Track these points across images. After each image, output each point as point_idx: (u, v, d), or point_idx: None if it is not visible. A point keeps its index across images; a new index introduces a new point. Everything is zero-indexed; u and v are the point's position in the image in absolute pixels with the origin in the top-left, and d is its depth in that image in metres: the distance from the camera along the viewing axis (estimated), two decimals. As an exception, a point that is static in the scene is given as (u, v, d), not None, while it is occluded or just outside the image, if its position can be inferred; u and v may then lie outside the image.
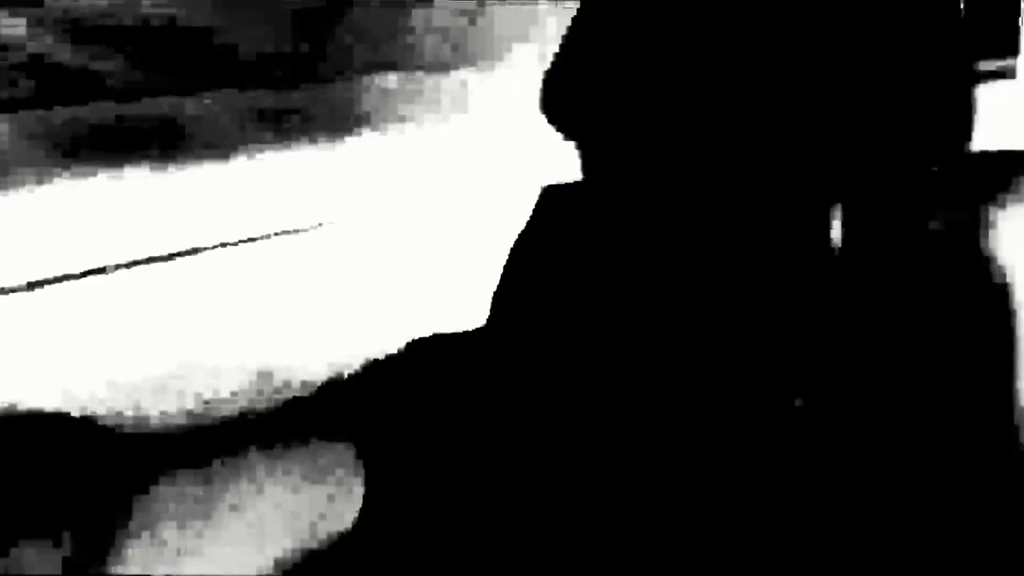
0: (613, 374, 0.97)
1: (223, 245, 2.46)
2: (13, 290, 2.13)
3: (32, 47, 2.52)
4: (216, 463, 0.93)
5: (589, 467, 0.97)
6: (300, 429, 0.96)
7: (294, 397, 0.97)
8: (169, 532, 0.89)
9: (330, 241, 2.61)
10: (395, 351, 1.03)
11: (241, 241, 2.46)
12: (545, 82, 1.02)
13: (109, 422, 1.92)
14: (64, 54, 2.61)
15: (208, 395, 2.12)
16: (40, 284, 2.17)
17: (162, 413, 1.99)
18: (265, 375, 2.20)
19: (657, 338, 0.95)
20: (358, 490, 0.95)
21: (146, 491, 0.87)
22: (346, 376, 1.00)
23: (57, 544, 0.78)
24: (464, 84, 3.03)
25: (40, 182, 2.31)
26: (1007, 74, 3.42)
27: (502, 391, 0.98)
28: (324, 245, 2.60)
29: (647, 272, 0.95)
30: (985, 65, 3.40)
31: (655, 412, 0.96)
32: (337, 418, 0.97)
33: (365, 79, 2.92)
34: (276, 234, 2.51)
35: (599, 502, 0.97)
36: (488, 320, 1.03)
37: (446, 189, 2.80)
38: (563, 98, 1.01)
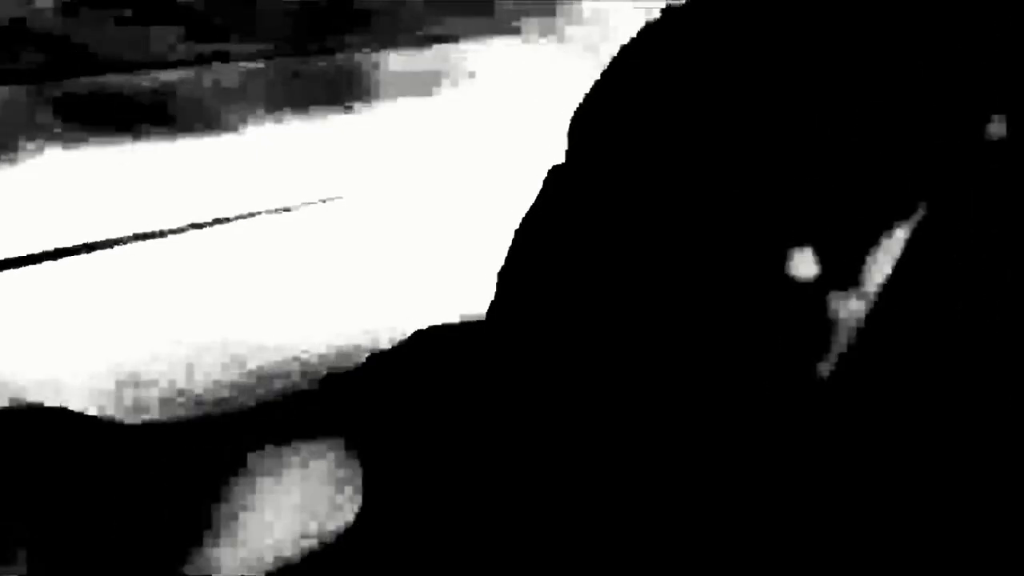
0: (619, 357, 0.96)
1: (234, 219, 2.44)
2: (13, 263, 2.11)
3: (32, 21, 2.49)
4: (217, 459, 0.91)
5: (589, 461, 0.97)
6: (301, 424, 0.96)
7: (296, 391, 0.96)
8: (170, 531, 0.88)
9: (335, 218, 2.59)
10: (397, 343, 1.03)
11: (246, 216, 2.44)
12: (574, 118, 1.06)
13: (108, 406, 1.89)
14: (68, 27, 2.58)
15: (208, 378, 2.09)
16: (42, 258, 2.14)
17: (163, 397, 1.96)
18: (265, 357, 2.17)
19: (663, 322, 0.94)
20: (358, 486, 0.95)
21: (145, 489, 0.86)
22: (348, 368, 0.98)
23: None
24: (471, 57, 3.00)
25: (44, 154, 2.29)
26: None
27: (505, 383, 0.97)
28: (329, 222, 2.58)
29: (646, 250, 0.95)
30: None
31: (662, 396, 0.95)
32: (338, 413, 0.97)
33: (373, 53, 2.89)
34: (283, 210, 2.49)
35: (599, 494, 0.96)
36: (492, 303, 1.03)
37: (454, 165, 2.78)
38: (588, 132, 1.05)
